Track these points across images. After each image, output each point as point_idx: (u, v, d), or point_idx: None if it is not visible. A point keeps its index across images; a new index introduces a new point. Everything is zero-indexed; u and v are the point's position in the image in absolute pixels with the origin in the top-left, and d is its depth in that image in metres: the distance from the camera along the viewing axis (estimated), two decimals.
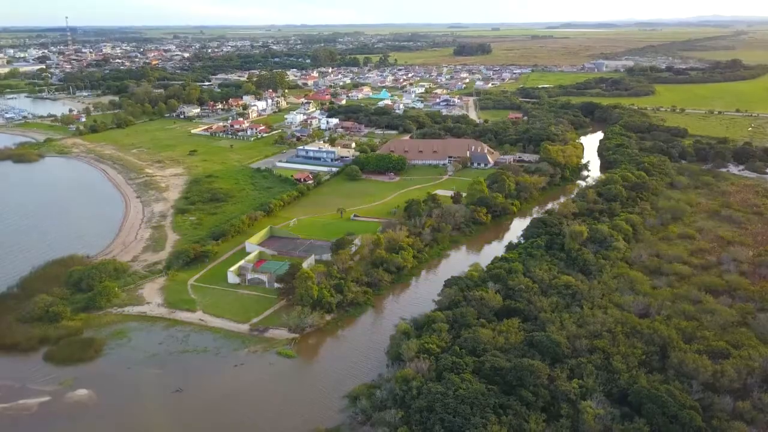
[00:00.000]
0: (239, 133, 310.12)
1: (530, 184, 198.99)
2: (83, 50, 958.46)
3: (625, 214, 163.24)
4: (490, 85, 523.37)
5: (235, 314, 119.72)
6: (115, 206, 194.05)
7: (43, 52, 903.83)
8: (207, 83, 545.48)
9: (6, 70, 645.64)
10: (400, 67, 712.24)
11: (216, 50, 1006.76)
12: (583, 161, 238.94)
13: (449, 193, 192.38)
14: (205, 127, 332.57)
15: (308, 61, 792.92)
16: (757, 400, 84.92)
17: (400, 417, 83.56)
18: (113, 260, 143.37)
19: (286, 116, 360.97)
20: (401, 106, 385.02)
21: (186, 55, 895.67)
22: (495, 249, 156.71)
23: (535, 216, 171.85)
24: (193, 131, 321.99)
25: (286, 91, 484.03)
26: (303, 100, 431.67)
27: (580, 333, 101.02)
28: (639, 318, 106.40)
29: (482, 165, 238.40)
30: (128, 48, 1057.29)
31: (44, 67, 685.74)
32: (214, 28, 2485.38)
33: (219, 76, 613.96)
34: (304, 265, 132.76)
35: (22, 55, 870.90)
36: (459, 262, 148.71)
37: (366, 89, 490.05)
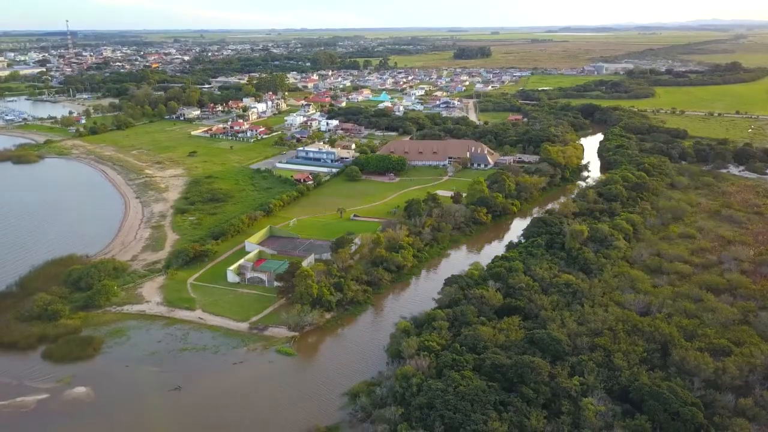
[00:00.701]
0: (239, 135, 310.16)
1: (530, 184, 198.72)
2: (83, 53, 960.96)
3: (626, 214, 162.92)
4: (489, 87, 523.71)
5: (234, 313, 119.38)
6: (115, 206, 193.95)
7: (43, 56, 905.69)
8: (207, 86, 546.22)
9: (6, 73, 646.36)
10: (400, 70, 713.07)
11: (216, 54, 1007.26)
12: (583, 162, 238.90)
13: (449, 193, 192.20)
14: (205, 128, 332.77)
15: (308, 64, 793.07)
16: (758, 396, 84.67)
17: (400, 414, 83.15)
18: (112, 259, 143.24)
19: (286, 118, 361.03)
20: (401, 108, 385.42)
21: (186, 58, 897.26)
22: (495, 248, 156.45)
23: (535, 216, 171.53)
24: (193, 133, 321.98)
25: (286, 93, 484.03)
26: (303, 102, 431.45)
27: (580, 331, 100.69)
28: (640, 316, 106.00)
29: (482, 166, 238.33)
30: (128, 51, 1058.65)
31: (44, 70, 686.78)
32: (215, 32, 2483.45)
33: (219, 78, 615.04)
34: (304, 264, 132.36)
35: (22, 58, 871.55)
36: (459, 261, 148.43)
37: (366, 92, 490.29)
